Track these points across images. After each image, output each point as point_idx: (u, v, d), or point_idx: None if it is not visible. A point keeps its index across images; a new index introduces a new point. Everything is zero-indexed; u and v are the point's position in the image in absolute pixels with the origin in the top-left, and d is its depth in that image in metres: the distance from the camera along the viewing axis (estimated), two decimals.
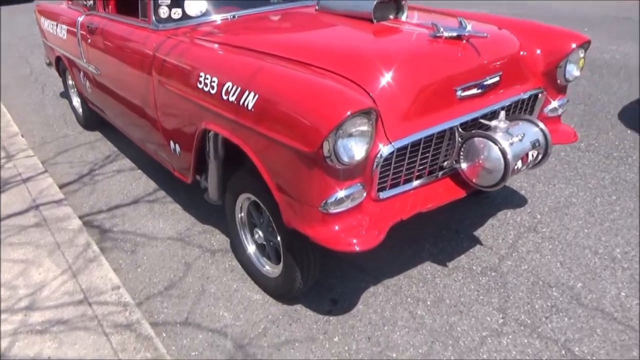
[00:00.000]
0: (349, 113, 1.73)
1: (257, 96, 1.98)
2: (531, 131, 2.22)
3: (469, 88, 2.20)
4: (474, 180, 2.22)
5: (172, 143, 2.85)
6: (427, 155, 2.20)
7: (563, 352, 2.22)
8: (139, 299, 2.57)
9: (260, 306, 2.50)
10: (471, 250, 2.87)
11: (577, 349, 2.23)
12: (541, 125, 2.26)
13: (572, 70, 2.65)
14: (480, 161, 2.15)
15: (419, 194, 2.24)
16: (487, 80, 2.26)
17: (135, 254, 2.93)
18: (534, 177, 3.64)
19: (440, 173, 2.32)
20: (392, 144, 1.99)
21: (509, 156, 2.08)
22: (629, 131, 4.32)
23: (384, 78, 2.04)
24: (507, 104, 2.37)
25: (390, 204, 2.15)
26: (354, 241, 1.96)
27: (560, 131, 2.86)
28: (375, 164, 1.98)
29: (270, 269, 2.53)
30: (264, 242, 2.52)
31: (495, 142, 2.10)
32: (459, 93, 2.17)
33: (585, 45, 2.63)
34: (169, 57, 2.63)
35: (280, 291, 2.46)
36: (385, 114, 2.00)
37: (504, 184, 2.14)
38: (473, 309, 2.46)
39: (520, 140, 2.15)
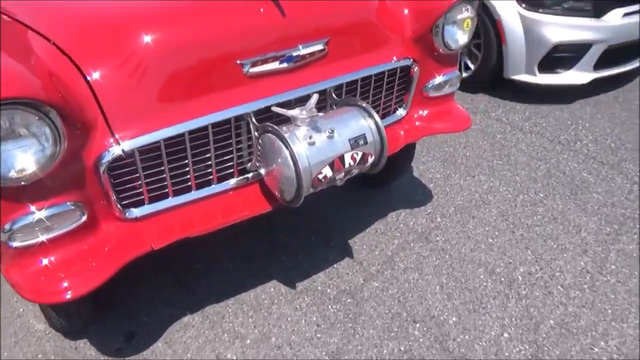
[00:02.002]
0: None
1: None
2: (354, 124, 1.57)
3: (264, 62, 1.54)
4: (275, 192, 1.61)
5: None
6: (208, 156, 1.58)
7: None
8: None
9: (36, 340, 1.96)
10: (336, 266, 2.28)
11: None
12: (374, 116, 1.60)
13: (454, 34, 1.96)
14: (275, 167, 1.53)
15: (202, 208, 1.63)
16: (298, 50, 1.59)
17: None
18: (453, 165, 2.98)
19: (250, 176, 1.70)
20: (122, 144, 1.38)
21: (302, 162, 1.45)
22: (587, 108, 3.58)
23: (114, 50, 1.40)
24: (336, 83, 1.71)
25: (151, 225, 1.55)
26: (65, 284, 1.38)
27: (451, 115, 2.20)
28: (100, 171, 1.38)
29: None
30: None
31: (283, 141, 1.46)
32: (246, 69, 1.52)
33: (471, 1, 1.92)
34: None
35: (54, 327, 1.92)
36: (113, 102, 1.37)
37: (300, 201, 1.52)
38: (300, 354, 1.88)
39: (330, 137, 1.51)
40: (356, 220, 2.54)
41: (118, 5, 1.49)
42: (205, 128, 1.50)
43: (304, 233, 2.46)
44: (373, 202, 2.67)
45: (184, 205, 1.60)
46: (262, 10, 1.55)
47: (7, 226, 1.30)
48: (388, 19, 1.88)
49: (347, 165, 1.54)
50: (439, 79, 2.07)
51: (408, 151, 2.46)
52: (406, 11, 1.90)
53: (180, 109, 1.46)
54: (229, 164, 1.64)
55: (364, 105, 1.63)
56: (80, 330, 1.94)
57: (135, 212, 1.52)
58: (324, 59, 1.68)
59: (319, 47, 1.64)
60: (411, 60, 1.93)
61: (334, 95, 1.72)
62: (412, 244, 2.39)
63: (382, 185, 2.76)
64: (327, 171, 1.50)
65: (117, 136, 1.37)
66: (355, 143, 1.54)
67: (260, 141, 1.56)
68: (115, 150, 1.36)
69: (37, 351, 1.92)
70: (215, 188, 1.64)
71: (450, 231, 2.47)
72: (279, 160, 1.46)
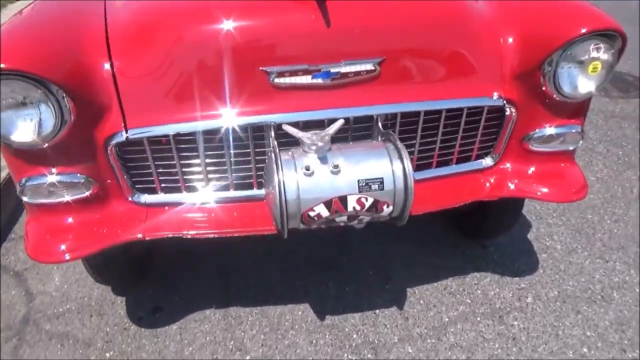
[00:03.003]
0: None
1: None
2: (372, 164, 1.30)
3: (292, 73, 1.38)
4: (271, 216, 1.45)
5: None
6: (224, 160, 1.50)
7: None
8: None
9: (91, 284, 2.17)
10: (377, 312, 2.01)
11: None
12: (405, 161, 1.31)
13: (574, 78, 1.49)
14: (270, 190, 1.37)
15: (214, 211, 1.57)
16: (339, 67, 1.38)
17: None
18: (587, 239, 2.35)
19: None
20: (129, 131, 1.39)
21: (289, 193, 1.26)
22: None
23: (147, 42, 1.40)
24: (385, 111, 1.45)
25: (160, 214, 1.55)
26: (62, 247, 1.47)
27: (562, 180, 1.71)
28: (107, 152, 1.42)
29: None
30: None
31: (277, 165, 1.29)
32: (272, 78, 1.38)
33: (610, 35, 1.42)
34: None
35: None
36: (131, 90, 1.38)
37: (284, 233, 1.33)
38: None
39: (334, 173, 1.28)
40: (430, 269, 2.20)
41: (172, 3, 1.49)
42: (218, 131, 1.42)
43: (366, 263, 2.22)
44: (460, 254, 2.28)
45: (196, 203, 1.57)
46: (313, 17, 1.38)
47: (21, 181, 1.43)
48: (484, 46, 1.52)
49: (350, 209, 1.30)
50: (549, 130, 1.61)
51: (512, 206, 2.01)
52: (511, 40, 1.51)
53: (197, 108, 1.41)
54: (247, 173, 1.54)
55: (398, 145, 1.34)
56: (115, 287, 2.10)
57: (144, 198, 1.53)
58: (374, 81, 1.43)
59: (368, 66, 1.40)
60: (503, 100, 1.53)
61: (380, 125, 1.47)
62: (478, 318, 1.97)
63: (481, 238, 2.33)
64: (322, 210, 1.29)
65: (128, 123, 1.39)
66: (366, 186, 1.28)
67: (268, 158, 1.42)
68: (119, 137, 1.38)
69: (86, 293, 2.14)
70: (231, 194, 1.57)
71: (537, 320, 1.96)
72: (273, 184, 1.30)
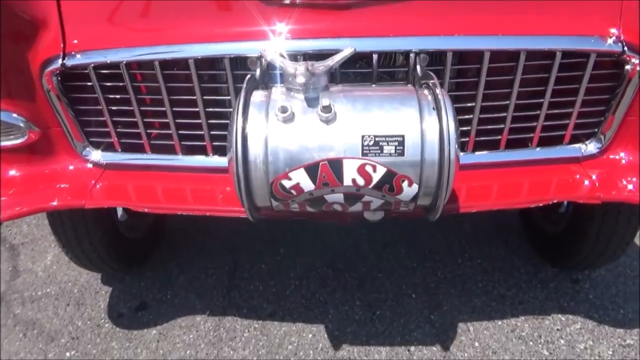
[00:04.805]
0: None
1: None
2: (388, 113, 0.81)
3: None
4: None
5: None
6: (197, 109, 1.09)
7: None
8: None
9: (74, 269, 1.86)
10: (411, 349, 1.48)
11: None
12: (446, 113, 0.80)
13: None
14: (229, 147, 0.93)
15: (181, 182, 1.17)
16: None
17: None
18: None
19: None
20: (67, 56, 1.02)
21: (253, 146, 0.82)
22: None
23: None
24: (424, 47, 0.95)
25: (111, 178, 1.17)
26: None
27: None
28: (43, 83, 1.06)
29: None
30: None
31: (237, 106, 0.85)
32: None
33: None
34: None
35: None
36: None
37: (247, 213, 0.87)
38: None
39: (325, 119, 0.81)
40: (494, 300, 1.63)
41: None
42: (184, 64, 1.02)
43: (409, 282, 1.70)
44: (540, 287, 1.68)
45: (166, 169, 1.18)
46: None
47: None
48: None
49: (347, 182, 0.81)
50: None
51: (625, 221, 1.41)
52: None
53: (159, 29, 1.02)
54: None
55: (438, 92, 0.84)
56: (105, 275, 1.77)
57: (97, 155, 1.17)
58: (411, 1, 0.95)
59: None
60: (624, 45, 0.97)
61: (418, 69, 0.98)
62: None
63: (571, 267, 1.72)
64: (302, 178, 0.82)
65: (67, 45, 1.03)
66: (374, 146, 0.80)
67: None
68: (56, 62, 1.03)
69: (72, 278, 1.83)
70: (210, 161, 1.15)
71: None
72: (230, 135, 0.86)
